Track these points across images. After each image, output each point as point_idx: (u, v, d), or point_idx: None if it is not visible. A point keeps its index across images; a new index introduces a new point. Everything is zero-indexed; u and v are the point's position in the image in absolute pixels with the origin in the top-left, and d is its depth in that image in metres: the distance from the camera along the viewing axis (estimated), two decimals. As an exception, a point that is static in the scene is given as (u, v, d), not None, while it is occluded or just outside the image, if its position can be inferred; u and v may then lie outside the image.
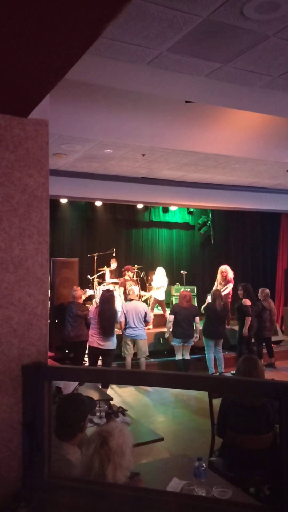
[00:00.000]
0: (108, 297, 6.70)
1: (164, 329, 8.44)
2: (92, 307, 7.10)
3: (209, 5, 3.24)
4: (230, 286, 8.95)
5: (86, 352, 7.91)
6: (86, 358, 7.79)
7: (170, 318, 7.67)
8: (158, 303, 9.72)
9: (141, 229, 12.20)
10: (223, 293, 8.35)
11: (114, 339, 6.67)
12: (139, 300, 8.30)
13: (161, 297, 9.66)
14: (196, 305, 9.58)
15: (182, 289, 10.18)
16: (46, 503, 1.80)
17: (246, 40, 3.76)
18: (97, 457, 2.00)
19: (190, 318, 7.59)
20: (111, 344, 6.59)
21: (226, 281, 8.96)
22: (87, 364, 7.70)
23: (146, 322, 7.59)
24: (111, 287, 9.87)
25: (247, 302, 7.92)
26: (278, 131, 6.91)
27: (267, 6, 3.27)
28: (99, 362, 6.93)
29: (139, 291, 9.10)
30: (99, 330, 6.51)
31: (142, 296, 9.57)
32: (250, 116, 6.38)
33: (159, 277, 9.72)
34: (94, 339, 6.58)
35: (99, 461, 1.99)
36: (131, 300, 7.59)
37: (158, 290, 9.60)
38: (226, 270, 9.14)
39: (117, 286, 9.55)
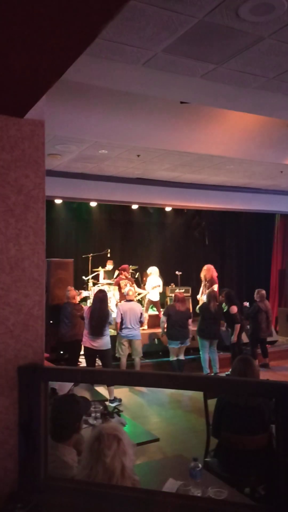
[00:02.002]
0: (101, 297, 6.69)
1: (158, 330, 8.45)
2: (86, 307, 7.10)
3: (204, 6, 3.25)
4: (216, 286, 8.87)
5: (82, 352, 7.93)
6: (81, 359, 7.79)
7: (163, 319, 7.69)
8: (153, 303, 9.71)
9: (136, 229, 12.20)
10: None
11: (106, 339, 6.63)
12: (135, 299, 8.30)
13: (156, 297, 9.66)
14: (190, 305, 9.60)
15: (177, 290, 10.19)
16: (42, 504, 1.79)
17: (241, 42, 3.78)
18: (117, 457, 2.00)
19: (184, 320, 7.61)
20: (104, 344, 6.56)
21: (211, 281, 8.89)
22: (82, 364, 7.70)
23: (140, 323, 7.60)
24: (105, 287, 9.87)
25: (234, 310, 7.90)
26: (272, 132, 6.94)
27: (262, 8, 3.28)
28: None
29: (135, 290, 9.05)
30: (92, 331, 6.51)
31: (139, 294, 9.56)
32: (245, 117, 6.41)
33: (154, 277, 9.71)
34: (86, 339, 6.57)
35: (119, 458, 2.00)
36: (128, 300, 7.58)
37: (153, 290, 9.59)
38: (208, 269, 9.06)
39: (111, 287, 9.54)
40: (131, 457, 2.06)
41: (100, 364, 6.78)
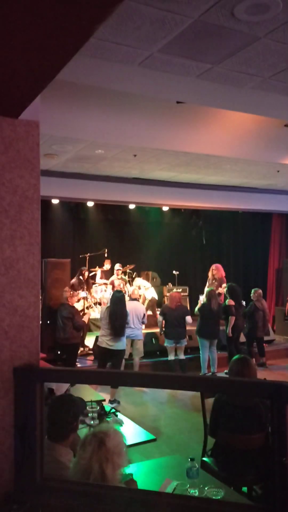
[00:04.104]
0: (119, 297, 6.62)
1: (154, 330, 8.48)
2: (103, 307, 7.03)
3: (199, 6, 3.25)
4: (224, 285, 8.87)
5: (78, 353, 7.91)
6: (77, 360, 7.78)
7: (160, 318, 7.71)
8: (154, 303, 9.71)
9: (133, 229, 12.20)
10: (217, 292, 8.33)
11: (124, 339, 6.62)
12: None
13: (155, 296, 9.69)
14: (188, 305, 9.59)
15: (174, 289, 10.20)
16: (39, 505, 1.79)
17: (236, 41, 3.78)
18: (95, 459, 1.99)
19: (179, 319, 7.60)
20: (121, 344, 6.54)
21: (220, 280, 8.90)
22: (78, 365, 7.69)
23: (143, 323, 7.60)
24: (103, 287, 9.87)
25: (231, 302, 7.97)
26: (268, 131, 6.95)
27: (258, 8, 3.29)
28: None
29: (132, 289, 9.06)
30: (110, 331, 6.44)
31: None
32: (241, 117, 6.41)
33: (143, 283, 9.75)
34: (103, 340, 6.49)
35: (98, 463, 1.98)
36: (132, 299, 7.55)
37: (147, 291, 9.60)
38: (217, 268, 9.09)
39: (108, 286, 9.54)
40: (116, 465, 2.01)
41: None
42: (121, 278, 9.37)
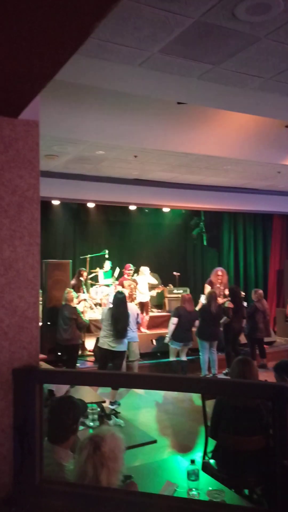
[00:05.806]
0: (121, 299, 6.60)
1: (156, 331, 8.44)
2: (104, 309, 7.01)
3: (200, 7, 3.24)
4: (227, 290, 8.80)
5: (79, 354, 7.90)
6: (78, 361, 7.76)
7: (174, 320, 7.53)
8: (144, 304, 9.58)
9: (133, 230, 12.19)
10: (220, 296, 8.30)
11: (126, 341, 6.60)
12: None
13: (147, 298, 9.61)
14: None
15: (175, 290, 10.17)
16: (38, 508, 1.78)
17: (237, 42, 3.77)
18: (90, 463, 1.99)
19: (191, 322, 7.57)
20: (123, 346, 6.52)
21: (225, 285, 8.85)
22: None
23: (137, 324, 7.56)
24: (104, 288, 9.84)
25: (230, 305, 8.03)
26: (269, 132, 6.94)
27: (258, 8, 3.28)
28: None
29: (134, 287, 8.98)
30: (112, 332, 6.42)
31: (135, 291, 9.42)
32: (242, 118, 6.40)
33: (148, 278, 9.61)
34: (105, 341, 6.46)
35: (93, 467, 1.98)
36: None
37: (151, 292, 9.53)
38: (224, 273, 8.98)
39: (111, 287, 9.50)
40: (111, 470, 2.00)
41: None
42: (132, 279, 9.27)
